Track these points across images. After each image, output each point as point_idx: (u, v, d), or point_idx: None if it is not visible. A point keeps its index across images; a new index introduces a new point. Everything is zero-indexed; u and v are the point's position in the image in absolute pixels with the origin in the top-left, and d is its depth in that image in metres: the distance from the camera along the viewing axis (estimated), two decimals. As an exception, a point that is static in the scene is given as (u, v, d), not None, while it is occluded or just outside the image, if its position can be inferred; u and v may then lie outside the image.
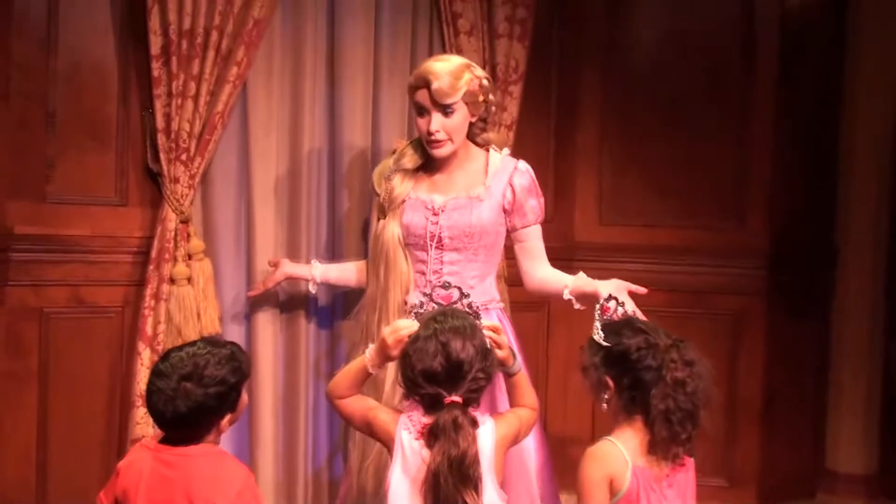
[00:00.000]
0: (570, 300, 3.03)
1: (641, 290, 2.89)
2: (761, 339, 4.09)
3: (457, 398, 2.31)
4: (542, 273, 3.11)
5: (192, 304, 3.27)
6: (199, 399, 2.23)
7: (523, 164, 3.07)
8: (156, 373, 2.28)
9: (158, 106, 3.24)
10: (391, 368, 2.74)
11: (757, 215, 4.10)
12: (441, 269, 2.99)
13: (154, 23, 3.21)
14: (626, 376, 2.41)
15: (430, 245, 2.99)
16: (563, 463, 3.65)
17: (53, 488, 3.27)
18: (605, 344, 2.44)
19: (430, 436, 2.30)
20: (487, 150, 3.07)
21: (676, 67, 4.15)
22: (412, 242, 3.02)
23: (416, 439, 2.34)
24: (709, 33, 4.12)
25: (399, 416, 2.43)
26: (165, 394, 2.23)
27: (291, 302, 3.54)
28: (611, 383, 2.43)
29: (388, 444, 2.43)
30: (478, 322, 2.43)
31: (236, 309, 3.46)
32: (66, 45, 3.26)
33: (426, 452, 2.32)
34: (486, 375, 2.35)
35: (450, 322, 2.36)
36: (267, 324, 3.48)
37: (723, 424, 4.05)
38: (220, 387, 2.26)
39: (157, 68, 3.23)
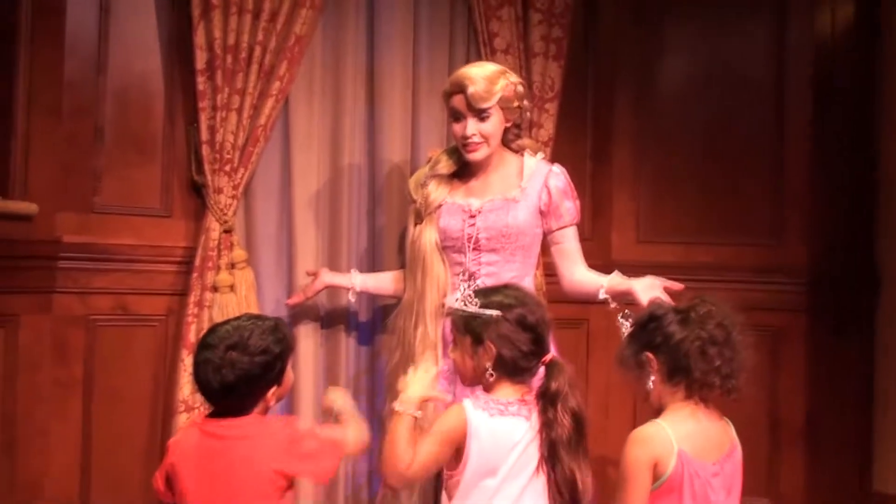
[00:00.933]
0: (605, 299, 3.05)
1: (677, 286, 2.91)
2: (802, 357, 4.04)
3: (553, 355, 2.42)
4: (578, 275, 3.14)
5: (234, 311, 3.30)
6: (245, 367, 2.26)
7: (558, 167, 3.13)
8: (203, 345, 2.32)
9: (203, 118, 3.34)
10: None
11: (794, 232, 4.09)
12: (479, 270, 3.03)
13: (200, 38, 3.32)
14: (658, 340, 2.42)
15: (468, 247, 3.03)
16: (602, 483, 3.63)
17: (97, 494, 3.30)
18: (632, 329, 2.49)
19: (546, 398, 2.35)
20: (522, 155, 3.13)
21: (709, 91, 4.18)
22: (449, 245, 3.06)
23: (482, 409, 2.34)
24: (741, 58, 4.16)
25: (458, 407, 2.37)
26: (213, 363, 2.27)
27: (331, 315, 3.58)
28: (651, 356, 2.43)
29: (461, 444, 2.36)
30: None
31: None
32: (115, 63, 3.37)
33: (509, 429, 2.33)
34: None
35: (516, 291, 2.46)
36: (307, 336, 3.51)
37: (766, 443, 4.02)
38: (264, 356, 2.29)
39: (202, 82, 3.33)
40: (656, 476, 2.34)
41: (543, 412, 2.34)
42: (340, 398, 2.61)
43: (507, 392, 2.38)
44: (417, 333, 3.04)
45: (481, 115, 2.99)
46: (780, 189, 4.12)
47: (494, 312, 2.37)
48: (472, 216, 3.04)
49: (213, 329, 2.37)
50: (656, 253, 4.14)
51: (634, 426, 3.74)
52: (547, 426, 2.33)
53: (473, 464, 2.31)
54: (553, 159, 3.79)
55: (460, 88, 2.99)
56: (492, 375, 2.38)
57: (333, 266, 3.55)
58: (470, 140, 3.00)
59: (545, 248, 3.21)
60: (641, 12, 4.20)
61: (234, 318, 2.40)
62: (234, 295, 3.34)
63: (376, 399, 3.61)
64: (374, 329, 3.65)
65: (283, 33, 3.40)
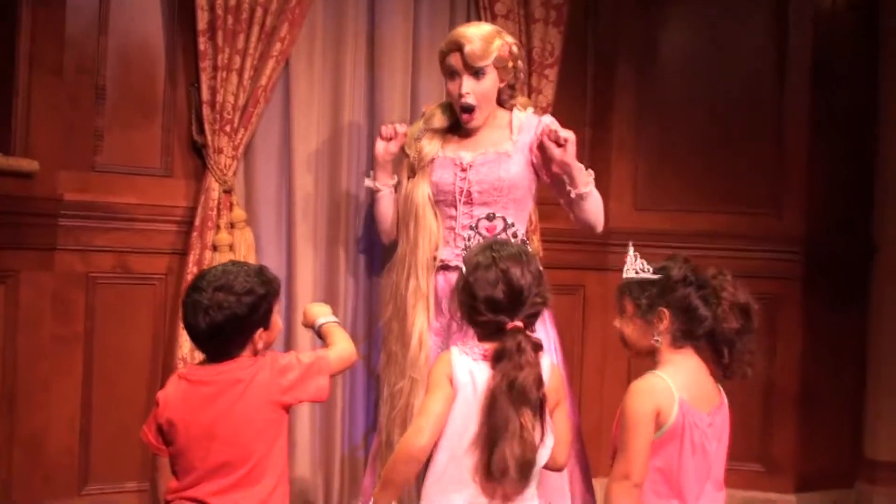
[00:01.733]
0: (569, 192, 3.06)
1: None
2: (798, 324, 4.08)
3: (518, 323, 2.32)
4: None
5: (233, 270, 3.34)
6: (232, 307, 2.31)
7: (548, 117, 3.16)
8: (191, 288, 2.37)
9: (204, 79, 3.35)
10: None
11: (793, 201, 4.11)
12: (470, 223, 3.04)
13: (201, -1, 3.33)
14: (680, 303, 2.43)
15: (459, 200, 3.05)
16: (598, 449, 3.67)
17: (96, 449, 3.34)
18: (655, 277, 2.46)
19: (494, 360, 2.31)
20: (511, 110, 3.15)
21: (710, 62, 4.21)
22: (441, 199, 3.08)
23: (466, 354, 2.35)
24: (742, 30, 4.18)
25: (446, 355, 2.40)
26: (201, 305, 2.32)
27: (330, 275, 3.60)
28: (667, 313, 2.44)
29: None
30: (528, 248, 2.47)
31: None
32: (116, 23, 3.38)
33: (484, 376, 2.32)
34: (542, 300, 2.37)
35: (506, 250, 2.39)
36: (306, 297, 3.53)
37: (760, 409, 4.06)
38: (250, 296, 2.34)
39: (203, 42, 3.34)
40: (658, 425, 2.37)
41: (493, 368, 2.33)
42: (321, 312, 2.63)
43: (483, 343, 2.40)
44: (409, 286, 3.06)
45: (477, 73, 3.02)
46: (778, 159, 4.14)
47: (462, 269, 2.41)
48: (464, 169, 3.06)
49: (202, 274, 2.43)
50: (654, 221, 4.17)
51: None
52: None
53: (457, 402, 2.34)
54: (552, 126, 3.84)
55: (457, 47, 3.02)
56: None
57: (333, 229, 3.59)
58: (465, 100, 3.03)
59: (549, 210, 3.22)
60: (642, -18, 4.22)
61: (221, 264, 2.47)
62: (234, 254, 3.36)
63: (373, 361, 3.64)
64: (371, 293, 3.68)
65: (284, -6, 3.42)
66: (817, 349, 4.11)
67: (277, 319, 2.46)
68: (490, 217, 2.55)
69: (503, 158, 3.06)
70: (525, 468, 2.28)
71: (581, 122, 4.14)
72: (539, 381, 2.30)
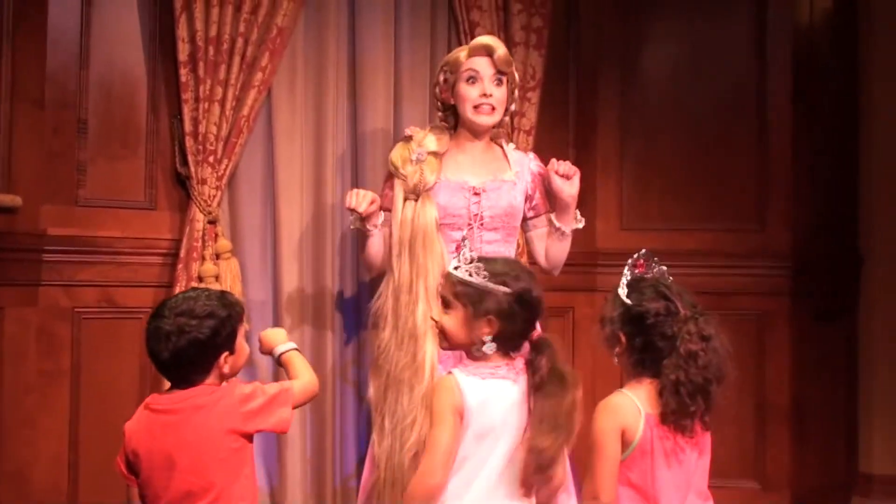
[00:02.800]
0: (559, 227, 3.18)
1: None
2: (787, 341, 4.08)
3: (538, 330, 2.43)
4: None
5: (219, 301, 3.33)
6: (193, 332, 2.31)
7: (532, 154, 3.30)
8: (154, 315, 2.38)
9: (186, 110, 3.35)
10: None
11: (778, 217, 4.13)
12: (481, 247, 3.05)
13: (182, 31, 3.34)
14: (639, 338, 2.42)
15: (473, 224, 3.07)
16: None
17: (84, 485, 3.30)
18: (626, 301, 2.45)
19: (541, 377, 2.32)
20: (500, 145, 3.22)
21: (692, 78, 4.23)
22: (450, 223, 3.08)
23: (474, 375, 2.33)
24: (722, 45, 4.21)
25: (448, 381, 2.35)
26: (162, 330, 2.32)
27: (318, 304, 3.59)
28: (623, 340, 2.44)
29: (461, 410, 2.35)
30: None
31: (263, 309, 3.51)
32: (97, 55, 3.37)
33: (505, 388, 2.33)
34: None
35: (518, 263, 2.49)
36: (294, 324, 3.53)
37: (753, 426, 4.05)
38: (211, 319, 2.33)
39: (185, 74, 3.34)
40: (626, 443, 2.36)
41: (531, 375, 2.34)
42: (279, 339, 2.61)
43: (495, 360, 2.36)
44: (419, 311, 2.98)
45: (501, 78, 3.11)
46: (763, 175, 4.16)
47: (503, 289, 2.33)
48: (476, 194, 3.08)
49: (163, 302, 2.43)
50: (640, 240, 4.10)
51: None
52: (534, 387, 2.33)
53: (472, 428, 2.30)
54: (535, 148, 3.84)
55: (487, 51, 3.10)
56: (488, 348, 2.35)
57: (318, 255, 3.59)
58: (487, 101, 3.08)
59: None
60: (622, 1, 4.23)
61: (182, 292, 2.49)
62: (220, 285, 3.34)
63: (362, 388, 3.62)
64: (359, 317, 3.66)
65: (264, 25, 3.42)
66: (808, 363, 4.11)
67: (243, 343, 2.45)
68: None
69: (510, 186, 3.13)
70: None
71: (565, 142, 4.16)
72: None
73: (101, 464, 3.28)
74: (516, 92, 3.23)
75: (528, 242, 3.29)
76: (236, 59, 3.37)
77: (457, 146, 3.16)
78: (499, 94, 3.11)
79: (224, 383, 2.38)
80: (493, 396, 2.32)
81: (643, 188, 4.24)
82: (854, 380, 4.20)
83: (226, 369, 2.39)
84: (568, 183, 3.10)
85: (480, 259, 2.39)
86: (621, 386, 2.47)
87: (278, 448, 3.51)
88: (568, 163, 3.14)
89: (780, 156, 4.13)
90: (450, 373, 2.38)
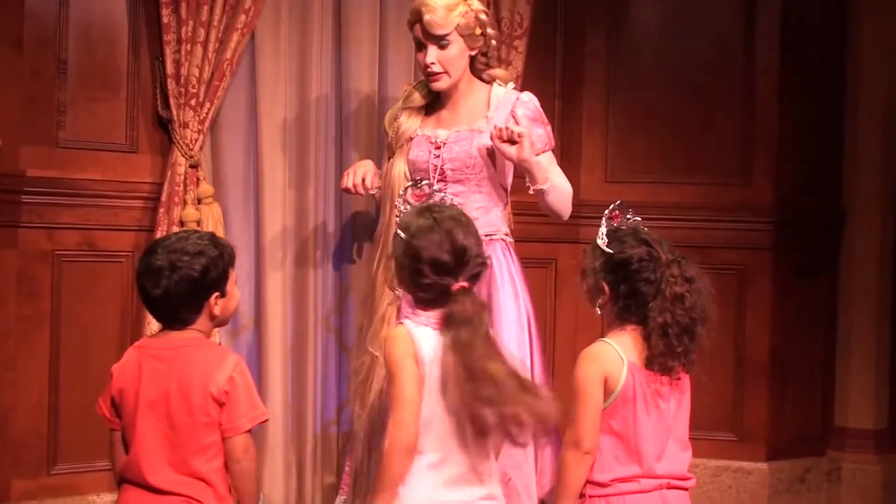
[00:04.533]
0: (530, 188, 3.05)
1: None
2: (768, 295, 4.10)
3: (464, 283, 2.29)
4: None
5: (201, 246, 3.31)
6: (185, 268, 2.30)
7: (526, 95, 3.13)
8: (145, 253, 2.36)
9: (168, 52, 3.30)
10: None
11: (762, 172, 4.13)
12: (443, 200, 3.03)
13: (164, -31, 3.28)
14: (623, 284, 2.43)
15: (434, 178, 3.02)
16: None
17: (64, 430, 3.30)
18: (607, 250, 2.46)
19: (446, 323, 2.26)
20: (491, 85, 3.12)
21: (681, 32, 4.21)
22: (417, 178, 3.06)
23: (423, 325, 2.30)
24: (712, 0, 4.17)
25: (402, 331, 2.34)
26: (154, 266, 2.31)
27: (300, 251, 3.58)
28: (607, 289, 2.45)
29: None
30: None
31: (246, 255, 3.48)
32: (77, -6, 3.32)
33: (434, 343, 2.28)
34: (483, 260, 2.35)
35: (446, 212, 2.36)
36: (276, 271, 3.51)
37: (731, 379, 4.09)
38: (202, 257, 2.32)
39: (166, 15, 3.28)
40: (609, 391, 2.38)
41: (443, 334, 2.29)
42: None
43: (426, 310, 2.33)
44: (382, 262, 3.05)
45: (440, 42, 3.00)
46: (748, 129, 4.15)
47: (400, 234, 2.34)
48: (438, 147, 3.05)
49: (154, 241, 2.44)
50: (624, 193, 4.10)
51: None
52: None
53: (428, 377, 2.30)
54: (521, 96, 3.82)
55: (418, 16, 3.01)
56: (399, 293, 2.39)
57: (301, 202, 3.55)
58: (430, 69, 3.01)
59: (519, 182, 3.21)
60: (612, -51, 4.20)
61: (174, 233, 2.49)
62: (201, 230, 3.32)
63: (344, 336, 3.63)
64: (342, 262, 3.66)
65: (249, -35, 3.36)
66: (788, 318, 4.14)
67: (234, 289, 2.44)
68: (417, 184, 2.55)
69: (475, 136, 3.04)
70: (545, 420, 2.25)
71: (551, 94, 4.13)
72: (493, 339, 2.28)
73: (81, 407, 3.28)
74: (488, 32, 3.06)
75: None
76: (219, 1, 3.31)
77: (439, 98, 3.11)
78: (445, 56, 3.00)
79: (215, 331, 2.38)
80: (425, 341, 2.29)
81: (628, 141, 4.23)
82: (832, 335, 4.23)
83: (216, 311, 2.38)
84: (515, 147, 2.92)
85: (423, 206, 2.41)
86: (603, 336, 2.49)
87: (259, 393, 3.49)
88: (509, 127, 2.93)
89: (766, 111, 4.13)
90: (400, 323, 2.38)
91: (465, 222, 2.34)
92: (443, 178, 3.03)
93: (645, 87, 4.20)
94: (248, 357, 3.45)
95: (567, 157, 4.13)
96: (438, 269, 2.28)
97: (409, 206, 2.47)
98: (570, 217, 3.95)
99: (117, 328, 3.39)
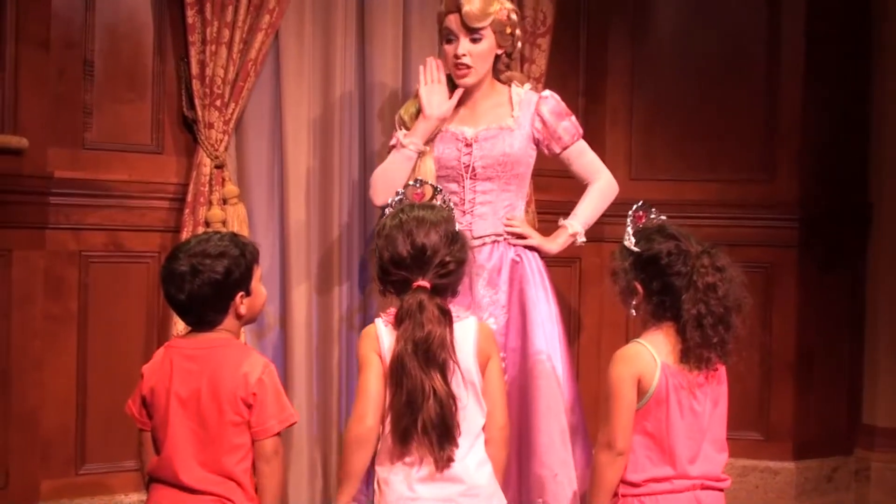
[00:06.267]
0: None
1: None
2: (794, 292, 4.08)
3: (424, 282, 2.39)
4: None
5: (226, 246, 3.32)
6: (207, 271, 2.34)
7: (547, 92, 3.17)
8: (168, 259, 2.40)
9: (193, 53, 3.31)
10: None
11: (787, 168, 4.11)
12: (475, 198, 3.05)
13: (189, -29, 3.29)
14: (655, 281, 2.43)
15: (465, 176, 3.03)
16: (596, 419, 3.66)
17: (92, 427, 3.32)
18: (635, 249, 2.46)
19: (398, 321, 2.37)
20: (510, 86, 3.14)
21: (704, 28, 4.20)
22: (444, 175, 3.06)
23: (388, 323, 2.41)
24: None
25: (371, 328, 2.47)
26: (177, 272, 2.35)
27: (325, 251, 3.58)
28: (640, 288, 2.45)
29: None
30: (452, 214, 2.52)
31: (271, 255, 3.50)
32: (104, -4, 3.34)
33: (394, 337, 2.38)
34: (454, 260, 2.43)
35: (415, 212, 2.46)
36: (300, 270, 3.51)
37: (758, 377, 4.06)
38: (224, 258, 2.36)
39: (191, 15, 3.29)
40: (642, 392, 2.38)
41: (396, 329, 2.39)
42: None
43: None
44: None
45: (474, 35, 3.01)
46: (772, 125, 4.13)
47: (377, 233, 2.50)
48: (468, 145, 3.05)
49: (177, 245, 2.47)
50: (648, 190, 4.11)
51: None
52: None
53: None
54: (545, 96, 3.81)
55: (456, 7, 3.00)
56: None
57: (325, 201, 3.56)
58: (461, 60, 3.00)
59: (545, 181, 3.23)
60: (636, -53, 4.19)
61: (195, 235, 2.53)
62: (226, 230, 3.33)
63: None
64: (364, 268, 3.66)
65: (272, -35, 3.37)
66: (814, 315, 4.11)
67: (259, 286, 2.47)
68: (418, 183, 2.58)
69: (506, 133, 3.05)
70: (445, 431, 2.33)
71: (574, 91, 4.13)
72: (443, 342, 2.33)
73: (108, 407, 3.31)
74: (516, 33, 3.09)
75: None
76: (244, 1, 3.31)
77: (461, 95, 3.10)
78: (476, 50, 3.01)
79: (243, 330, 2.40)
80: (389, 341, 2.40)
81: (652, 138, 4.22)
82: (859, 332, 4.20)
83: (242, 310, 2.40)
84: (526, 240, 3.08)
85: (401, 206, 2.51)
86: (627, 336, 2.49)
87: (285, 386, 3.51)
88: (511, 227, 3.07)
89: (789, 106, 4.11)
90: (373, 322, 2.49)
91: (433, 221, 2.43)
92: (473, 176, 3.04)
93: (668, 82, 4.19)
94: (273, 357, 3.45)
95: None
96: (398, 265, 2.41)
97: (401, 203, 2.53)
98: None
99: (143, 328, 3.40)
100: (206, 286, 2.33)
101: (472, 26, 2.98)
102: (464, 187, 3.05)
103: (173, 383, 2.35)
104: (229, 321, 2.40)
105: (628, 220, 2.53)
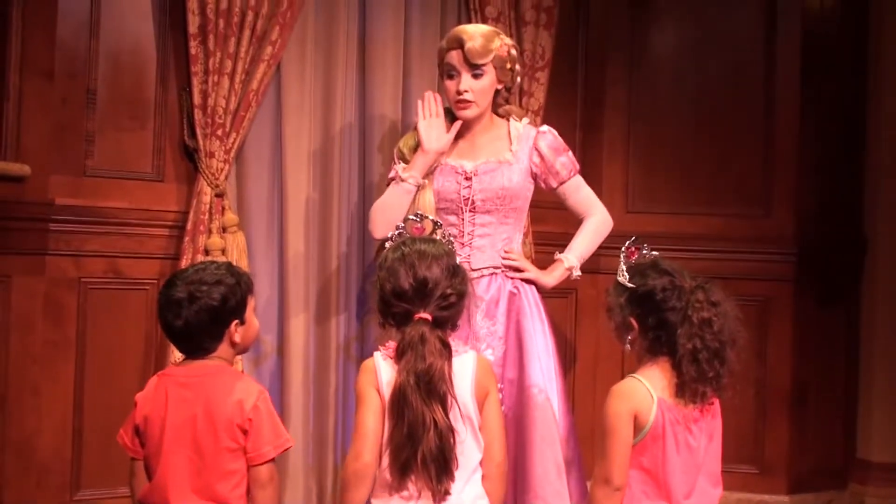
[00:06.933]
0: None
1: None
2: (789, 326, 4.10)
3: (425, 315, 2.39)
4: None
5: (225, 274, 3.34)
6: (204, 298, 2.36)
7: (545, 127, 3.21)
8: (165, 286, 2.42)
9: (195, 83, 3.34)
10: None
11: (783, 202, 4.14)
12: (473, 231, 3.07)
13: (192, 2, 3.32)
14: (650, 317, 2.44)
15: (464, 209, 3.06)
16: (590, 454, 3.66)
17: (88, 455, 3.32)
18: (629, 285, 2.47)
19: (398, 354, 2.38)
20: (508, 120, 3.18)
21: (701, 61, 4.24)
22: (443, 207, 3.09)
23: (388, 357, 2.41)
24: (731, 28, 4.22)
25: (369, 363, 2.46)
26: (174, 299, 2.37)
27: (323, 280, 3.60)
28: (635, 324, 2.46)
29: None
30: (452, 248, 2.53)
31: (269, 283, 3.52)
32: (107, 26, 3.36)
33: (394, 370, 2.38)
34: (455, 293, 2.44)
35: (417, 245, 2.47)
36: (299, 299, 3.53)
37: (753, 411, 4.07)
38: (221, 286, 2.39)
39: (194, 46, 3.33)
40: (639, 428, 2.39)
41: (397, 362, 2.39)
42: None
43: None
44: None
45: (475, 71, 3.05)
46: (768, 159, 4.17)
47: (378, 267, 2.50)
48: (468, 178, 3.08)
49: (174, 273, 2.49)
50: (645, 223, 4.16)
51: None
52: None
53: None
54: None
55: (458, 44, 3.04)
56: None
57: (324, 230, 3.59)
58: (463, 96, 3.04)
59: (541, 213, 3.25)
60: (632, -19, 4.24)
61: (192, 265, 2.53)
62: (226, 259, 3.35)
63: (365, 352, 3.63)
64: (364, 298, 3.67)
65: (275, -2, 3.42)
66: (809, 349, 4.13)
67: (253, 318, 2.49)
68: (418, 218, 2.60)
69: (505, 167, 3.09)
70: (444, 464, 2.32)
71: (572, 124, 4.17)
72: (443, 375, 2.34)
73: (105, 433, 3.30)
74: (516, 68, 3.14)
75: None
76: (246, 33, 3.36)
77: (463, 129, 3.13)
78: (477, 85, 3.05)
79: (237, 360, 2.41)
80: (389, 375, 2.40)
81: (649, 171, 4.25)
82: (855, 366, 4.21)
83: (236, 338, 2.43)
84: (523, 273, 3.11)
85: (402, 240, 2.52)
86: (623, 368, 2.50)
87: (280, 421, 3.51)
88: (509, 260, 3.10)
89: (785, 141, 4.14)
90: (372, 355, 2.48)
91: (435, 255, 2.44)
92: (472, 209, 3.07)
93: (665, 116, 4.23)
94: (270, 385, 3.47)
95: (588, 185, 4.14)
96: (400, 298, 2.41)
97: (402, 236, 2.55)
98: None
99: (141, 355, 3.41)
100: (202, 312, 2.36)
101: (474, 62, 3.02)
102: (463, 220, 3.07)
103: (168, 411, 2.36)
104: (224, 349, 2.43)
105: (621, 255, 2.55)
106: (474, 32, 3.07)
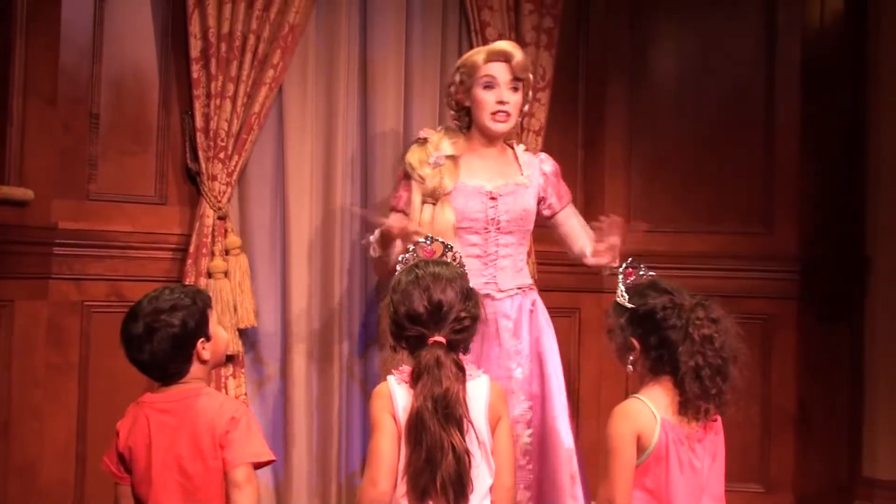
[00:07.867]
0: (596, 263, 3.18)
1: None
2: (793, 343, 4.09)
3: (440, 338, 2.38)
4: (577, 251, 3.28)
5: (228, 297, 3.35)
6: (162, 330, 2.36)
7: (543, 154, 3.31)
8: (125, 321, 2.41)
9: (198, 106, 3.37)
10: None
11: (785, 220, 4.13)
12: (497, 251, 3.10)
13: (194, 27, 3.35)
14: (652, 336, 2.44)
15: (490, 229, 3.08)
16: (592, 471, 3.65)
17: (91, 480, 3.31)
18: (629, 305, 2.47)
19: (414, 378, 2.35)
20: (511, 147, 3.23)
21: (701, 80, 4.24)
22: (465, 227, 3.09)
23: (402, 381, 2.38)
24: (731, 46, 4.22)
25: (383, 387, 2.42)
26: (133, 336, 2.37)
27: (326, 300, 3.60)
28: (637, 344, 2.46)
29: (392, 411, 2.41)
30: (464, 271, 2.52)
31: (272, 305, 3.53)
32: (109, 51, 3.39)
33: (409, 395, 2.35)
34: (469, 316, 2.42)
35: (430, 268, 2.45)
36: (301, 320, 3.54)
37: (758, 429, 4.05)
38: (177, 311, 2.37)
39: (196, 70, 3.36)
40: (642, 448, 2.38)
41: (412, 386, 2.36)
42: None
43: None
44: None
45: (515, 84, 3.11)
46: (770, 177, 4.16)
47: (391, 290, 2.48)
48: (493, 199, 3.09)
49: (131, 308, 2.45)
50: (648, 242, 4.11)
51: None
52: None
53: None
54: (545, 148, 3.84)
55: (505, 57, 3.10)
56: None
57: (327, 252, 3.60)
58: (505, 108, 3.08)
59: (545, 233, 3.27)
60: (633, 1, 4.24)
61: (147, 293, 2.47)
62: (229, 281, 3.37)
63: (369, 385, 3.63)
64: (368, 316, 3.68)
65: (276, 22, 3.43)
66: (813, 367, 4.11)
67: (218, 329, 2.49)
68: (429, 240, 2.59)
69: (522, 189, 3.14)
70: (461, 488, 2.29)
71: (574, 143, 4.18)
72: (459, 400, 2.32)
73: (108, 456, 3.31)
74: (530, 93, 3.23)
75: (560, 240, 3.30)
76: (248, 56, 3.39)
77: (471, 149, 3.16)
78: (515, 100, 3.11)
79: (212, 380, 2.41)
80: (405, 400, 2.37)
81: (650, 189, 4.25)
82: (859, 384, 4.18)
83: (205, 355, 2.43)
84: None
85: (416, 262, 2.50)
86: (627, 388, 2.49)
87: (284, 443, 3.52)
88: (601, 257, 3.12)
89: (787, 158, 4.14)
90: (386, 379, 2.45)
91: (449, 277, 2.43)
92: (498, 229, 3.09)
93: (666, 135, 4.24)
94: (273, 408, 3.47)
95: (590, 205, 4.15)
96: (414, 321, 2.39)
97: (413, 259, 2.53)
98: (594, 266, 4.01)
99: (144, 379, 3.36)
100: (164, 342, 2.36)
101: (519, 76, 3.09)
102: (487, 240, 3.09)
103: (153, 439, 2.37)
104: (195, 369, 2.42)
105: (619, 277, 2.56)
106: (516, 48, 3.15)
